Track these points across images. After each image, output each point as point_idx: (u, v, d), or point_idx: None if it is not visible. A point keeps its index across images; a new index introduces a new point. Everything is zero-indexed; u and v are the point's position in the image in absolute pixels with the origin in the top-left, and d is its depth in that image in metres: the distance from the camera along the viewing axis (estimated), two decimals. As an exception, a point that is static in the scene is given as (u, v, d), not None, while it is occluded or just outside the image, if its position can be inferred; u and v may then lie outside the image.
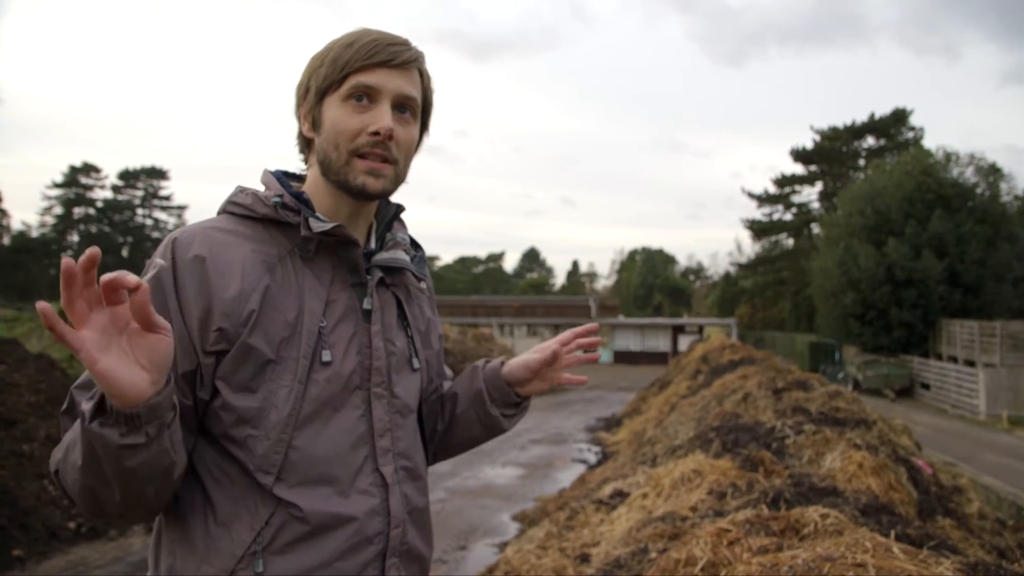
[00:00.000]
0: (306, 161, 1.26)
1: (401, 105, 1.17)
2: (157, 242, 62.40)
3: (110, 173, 63.19)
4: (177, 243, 1.10)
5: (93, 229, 60.59)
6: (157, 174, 62.41)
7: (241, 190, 1.20)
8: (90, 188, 60.86)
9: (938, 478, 6.25)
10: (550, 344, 1.39)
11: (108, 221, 61.02)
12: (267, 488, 1.08)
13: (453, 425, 1.43)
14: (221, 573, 1.06)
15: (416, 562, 1.23)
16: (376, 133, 1.13)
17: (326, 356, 1.13)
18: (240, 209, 1.17)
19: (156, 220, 62.75)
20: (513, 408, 1.42)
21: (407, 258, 1.27)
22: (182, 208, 63.27)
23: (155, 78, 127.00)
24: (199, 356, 1.08)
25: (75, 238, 60.96)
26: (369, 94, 1.15)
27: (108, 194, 61.26)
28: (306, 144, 1.24)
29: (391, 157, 1.16)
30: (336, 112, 1.15)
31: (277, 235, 1.16)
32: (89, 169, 60.43)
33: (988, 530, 5.75)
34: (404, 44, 1.18)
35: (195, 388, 1.09)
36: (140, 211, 62.39)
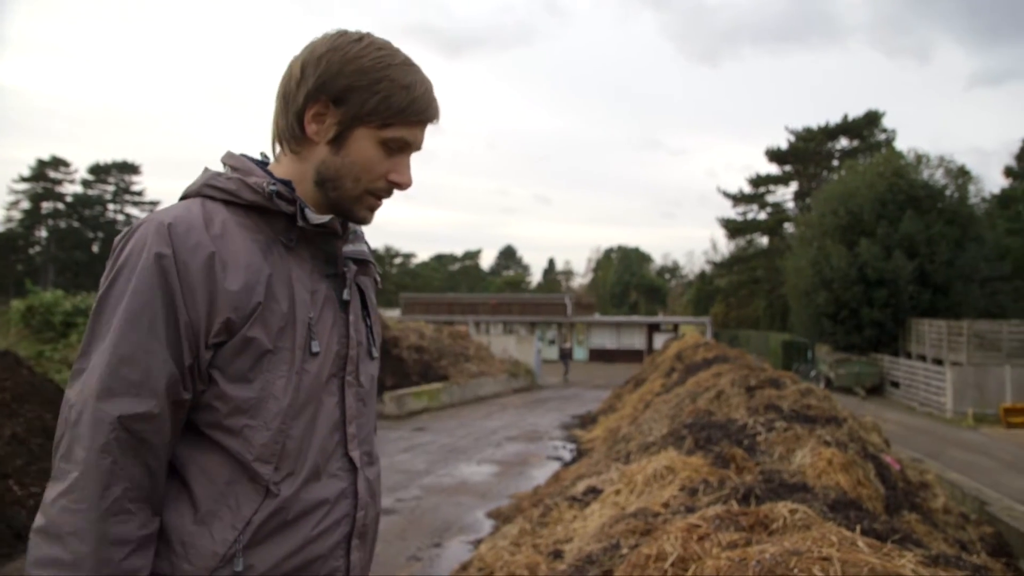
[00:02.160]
0: (282, 145, 1.22)
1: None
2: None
3: (80, 167, 62.13)
4: (174, 229, 1.06)
5: (62, 224, 59.57)
6: (129, 168, 61.45)
7: (218, 174, 1.16)
8: (59, 182, 59.75)
9: (905, 474, 6.37)
10: None
11: (78, 216, 59.96)
12: (264, 479, 1.09)
13: None
14: (201, 573, 1.06)
15: (368, 540, 1.27)
16: (398, 185, 1.19)
17: (315, 347, 1.15)
18: (222, 194, 1.13)
19: (128, 215, 61.75)
20: None
21: (368, 250, 1.31)
22: (154, 204, 62.32)
23: (127, 71, 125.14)
24: (201, 349, 1.06)
25: (43, 233, 59.91)
26: (402, 147, 1.18)
27: (78, 188, 60.25)
28: (302, 134, 1.18)
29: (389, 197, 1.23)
30: (369, 150, 1.16)
31: (260, 223, 1.14)
32: (58, 163, 59.31)
33: (952, 524, 5.87)
34: (436, 96, 1.21)
35: (193, 382, 1.07)
36: (111, 206, 61.41)
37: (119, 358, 1.01)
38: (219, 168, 1.19)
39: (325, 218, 1.14)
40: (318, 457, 1.14)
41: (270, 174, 1.17)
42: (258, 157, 1.24)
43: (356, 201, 1.18)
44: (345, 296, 1.22)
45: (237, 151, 1.21)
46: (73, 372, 1.04)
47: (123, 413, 1.00)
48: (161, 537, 1.08)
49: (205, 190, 1.14)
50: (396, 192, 1.22)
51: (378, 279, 1.38)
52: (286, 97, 1.17)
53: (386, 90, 1.13)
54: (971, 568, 2.85)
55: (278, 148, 1.23)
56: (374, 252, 1.39)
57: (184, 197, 1.17)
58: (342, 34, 1.17)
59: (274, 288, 1.11)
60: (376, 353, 1.31)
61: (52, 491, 1.00)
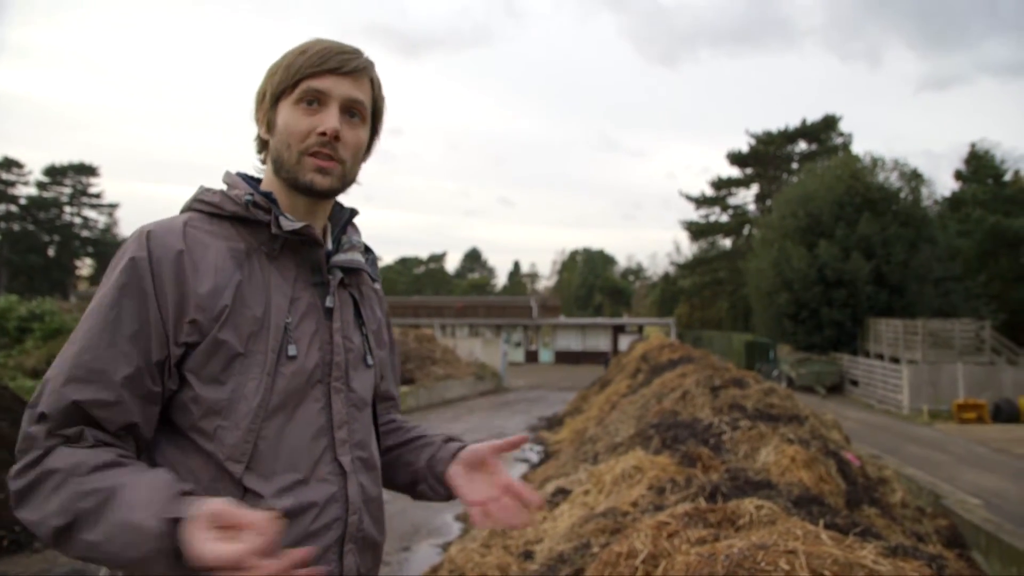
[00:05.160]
0: (263, 161, 1.31)
1: (350, 109, 1.24)
2: (86, 241, 58.36)
3: (34, 169, 60.36)
4: (152, 235, 1.14)
5: (16, 227, 57.89)
6: (86, 170, 59.90)
7: (207, 189, 1.25)
8: (12, 184, 58.02)
9: (865, 470, 6.54)
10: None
11: (32, 219, 58.29)
12: (236, 477, 1.11)
13: (392, 450, 1.44)
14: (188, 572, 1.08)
15: (371, 549, 1.28)
16: (323, 133, 1.20)
17: (292, 350, 1.18)
18: (208, 207, 1.21)
19: (85, 218, 60.21)
20: (437, 482, 1.38)
21: (363, 260, 1.34)
22: (113, 206, 60.94)
23: (84, 70, 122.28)
24: (170, 346, 1.11)
25: (-5, 236, 58.20)
26: (319, 98, 1.22)
27: (32, 191, 58.58)
28: (263, 145, 1.29)
29: (338, 156, 1.22)
30: (288, 115, 1.22)
31: (244, 233, 1.21)
32: (11, 164, 57.62)
33: (909, 518, 6.05)
34: (354, 52, 1.25)
35: (164, 377, 1.12)
36: (68, 209, 59.80)
37: (83, 349, 1.08)
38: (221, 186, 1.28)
39: (298, 224, 1.19)
40: (302, 461, 1.16)
41: (256, 188, 1.25)
42: (255, 175, 1.33)
43: (297, 167, 1.21)
44: (328, 303, 1.25)
45: (233, 170, 1.31)
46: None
47: (79, 398, 1.05)
48: None
49: (195, 204, 1.24)
50: (338, 153, 1.22)
51: (376, 287, 1.41)
52: None
53: (284, 62, 1.23)
54: (927, 558, 2.95)
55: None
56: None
57: (181, 212, 1.26)
58: None
59: (245, 294, 1.16)
60: (372, 361, 1.33)
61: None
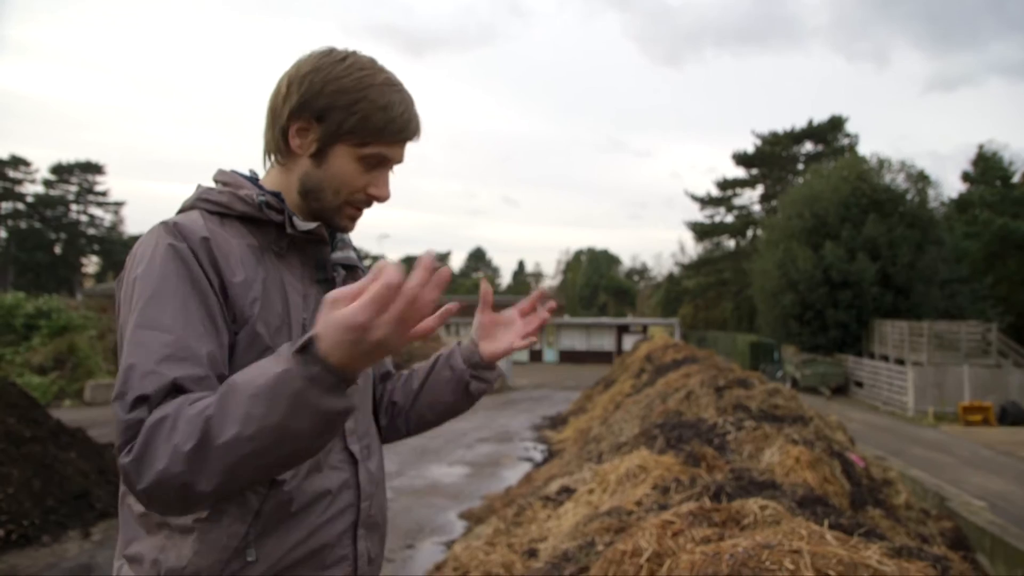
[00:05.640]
0: (279, 162, 1.27)
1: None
2: (92, 238, 58.27)
3: (41, 167, 60.46)
4: (180, 226, 1.13)
5: (23, 225, 58.10)
6: (92, 168, 60.06)
7: (210, 188, 1.23)
8: (19, 182, 58.23)
9: (869, 471, 6.53)
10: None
11: (39, 217, 58.52)
12: None
13: (418, 394, 1.48)
14: (214, 565, 1.09)
15: (378, 532, 1.32)
16: (376, 198, 1.26)
17: None
18: (215, 207, 1.20)
19: (92, 216, 60.39)
20: (479, 369, 1.45)
21: (357, 256, 1.38)
22: (119, 204, 61.11)
23: (89, 68, 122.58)
24: (228, 330, 1.12)
25: (3, 234, 58.41)
26: (380, 162, 1.24)
27: (39, 188, 58.76)
28: (286, 148, 1.24)
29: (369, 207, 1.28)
30: (348, 165, 1.22)
31: (253, 232, 1.21)
32: (18, 162, 57.81)
33: (914, 519, 6.05)
34: (417, 114, 1.26)
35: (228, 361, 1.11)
36: (74, 207, 59.98)
37: (167, 331, 1.04)
38: (211, 184, 1.26)
39: (312, 225, 1.21)
40: None
41: (260, 187, 1.24)
42: (247, 173, 1.30)
43: (336, 211, 1.25)
44: None
45: (227, 167, 1.28)
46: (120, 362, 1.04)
47: (179, 375, 1.00)
48: (170, 532, 1.11)
49: (199, 204, 1.20)
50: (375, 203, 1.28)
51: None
52: (273, 112, 1.24)
53: (364, 111, 1.18)
54: (932, 559, 2.96)
55: (269, 160, 1.29)
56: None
57: (180, 212, 1.23)
58: (327, 53, 1.23)
59: (269, 290, 1.17)
60: None
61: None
